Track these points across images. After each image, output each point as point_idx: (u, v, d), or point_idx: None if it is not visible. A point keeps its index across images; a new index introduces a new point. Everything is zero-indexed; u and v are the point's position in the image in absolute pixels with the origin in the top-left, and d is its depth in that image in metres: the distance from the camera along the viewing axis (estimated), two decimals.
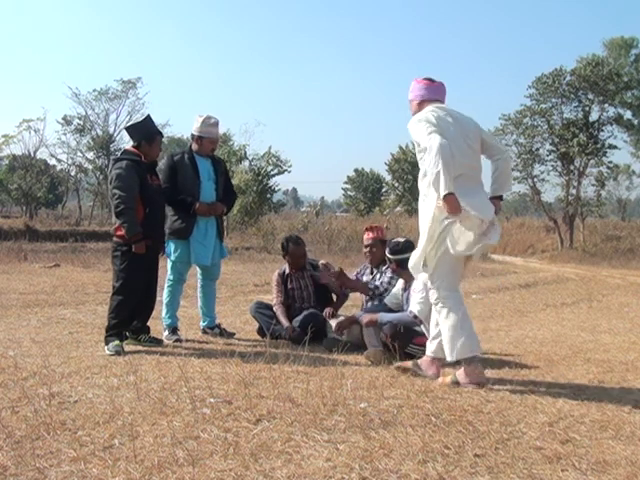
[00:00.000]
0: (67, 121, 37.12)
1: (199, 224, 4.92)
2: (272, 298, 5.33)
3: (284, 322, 5.03)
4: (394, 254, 4.43)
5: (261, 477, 2.13)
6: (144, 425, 2.63)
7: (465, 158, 3.44)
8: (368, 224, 5.26)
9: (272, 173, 28.74)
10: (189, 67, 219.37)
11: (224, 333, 5.15)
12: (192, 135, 5.07)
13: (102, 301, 7.05)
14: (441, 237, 3.42)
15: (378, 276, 4.90)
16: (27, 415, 2.74)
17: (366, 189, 51.33)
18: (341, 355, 4.31)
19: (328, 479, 2.12)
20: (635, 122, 25.87)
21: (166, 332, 4.92)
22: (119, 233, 4.42)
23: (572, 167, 23.51)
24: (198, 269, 5.22)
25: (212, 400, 3.00)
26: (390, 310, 4.47)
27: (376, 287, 4.78)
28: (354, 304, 6.19)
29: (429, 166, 3.29)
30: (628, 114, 25.00)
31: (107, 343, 4.35)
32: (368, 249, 4.95)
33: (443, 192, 3.24)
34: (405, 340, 4.15)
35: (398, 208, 38.42)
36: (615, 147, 23.53)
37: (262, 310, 5.22)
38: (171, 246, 4.92)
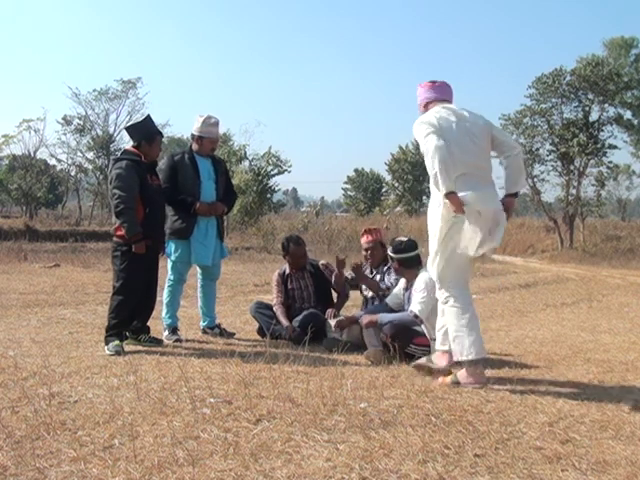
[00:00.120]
0: (67, 121, 37.17)
1: (200, 224, 4.92)
2: (272, 298, 5.33)
3: (284, 322, 5.03)
4: (397, 253, 4.42)
5: (261, 477, 2.13)
6: (144, 425, 2.63)
7: (470, 157, 3.44)
8: (366, 227, 5.24)
9: (272, 173, 28.77)
10: (189, 67, 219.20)
11: (224, 333, 5.16)
12: (192, 135, 5.07)
13: (102, 301, 7.05)
14: (448, 236, 3.43)
15: (378, 277, 4.90)
16: (27, 415, 2.74)
17: (366, 189, 51.33)
18: (341, 355, 4.31)
19: (328, 479, 2.12)
20: (635, 122, 25.87)
21: (166, 332, 4.92)
22: (119, 233, 4.42)
23: (572, 167, 23.50)
24: (198, 269, 5.22)
25: (212, 400, 3.00)
26: (392, 310, 4.46)
27: (387, 288, 4.75)
28: (354, 304, 6.19)
29: (428, 168, 3.35)
30: (628, 114, 25.02)
31: (107, 343, 4.35)
32: (368, 252, 4.94)
33: (443, 191, 3.27)
34: (405, 340, 4.15)
35: (398, 208, 38.42)
36: (615, 147, 23.54)
37: (262, 310, 5.22)
38: (171, 246, 4.92)
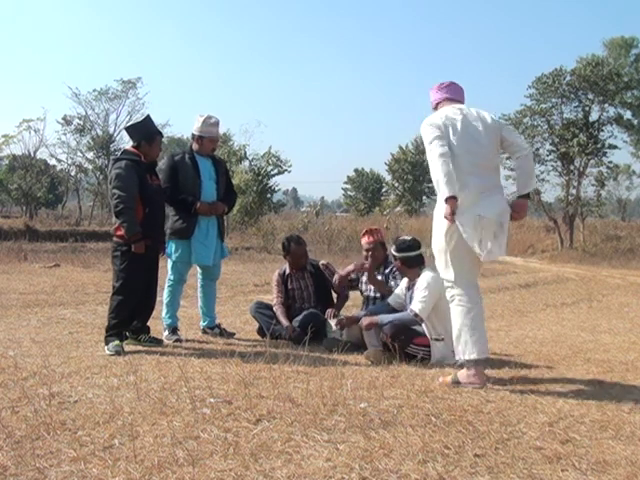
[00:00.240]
0: (67, 121, 37.15)
1: (200, 224, 4.92)
2: (272, 298, 5.33)
3: (284, 322, 5.03)
4: (400, 251, 4.43)
5: (261, 477, 2.13)
6: (144, 425, 2.63)
7: (474, 157, 3.44)
8: (366, 227, 5.23)
9: (272, 173, 28.76)
10: (189, 67, 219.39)
11: (224, 333, 5.16)
12: (193, 135, 5.08)
13: (102, 301, 7.05)
14: (448, 235, 3.44)
15: (380, 277, 4.90)
16: (27, 415, 2.74)
17: (366, 189, 51.33)
18: (341, 355, 4.31)
19: (328, 479, 2.12)
20: (635, 122, 25.86)
21: (166, 332, 4.92)
22: (119, 233, 4.42)
23: (572, 167, 23.48)
24: (198, 269, 5.22)
25: (212, 400, 3.00)
26: (393, 309, 4.46)
27: (391, 290, 4.73)
28: (354, 304, 6.19)
29: (431, 174, 3.39)
30: (628, 114, 24.98)
31: (107, 343, 4.35)
32: (369, 253, 4.93)
33: (445, 194, 3.29)
34: (405, 340, 4.15)
35: (398, 208, 38.39)
36: (615, 147, 23.52)
37: (262, 310, 5.22)
38: (172, 246, 4.92)
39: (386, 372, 3.76)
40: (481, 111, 3.58)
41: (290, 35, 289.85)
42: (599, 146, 22.77)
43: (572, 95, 22.93)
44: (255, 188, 27.37)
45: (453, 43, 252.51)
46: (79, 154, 38.40)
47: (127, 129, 4.72)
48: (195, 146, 5.04)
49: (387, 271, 4.89)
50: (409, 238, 4.55)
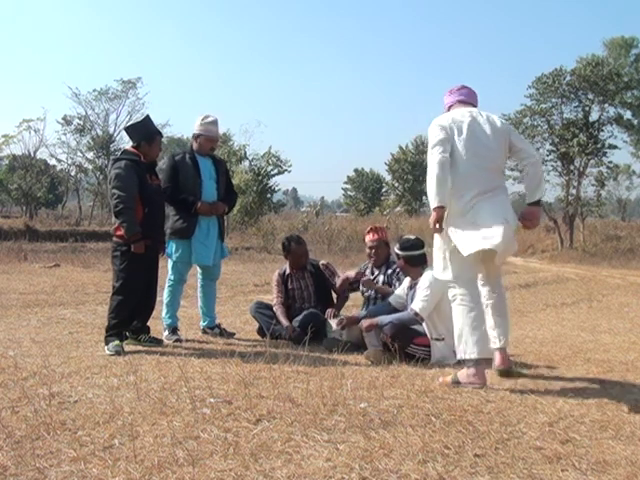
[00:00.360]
0: (67, 121, 37.14)
1: (201, 224, 4.92)
2: (272, 298, 5.33)
3: (284, 322, 5.03)
4: (404, 250, 4.43)
5: (261, 477, 2.13)
6: (144, 425, 2.63)
7: (481, 160, 3.46)
8: (370, 225, 5.25)
9: (272, 173, 28.78)
10: (189, 67, 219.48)
11: (224, 333, 5.16)
12: (193, 134, 5.11)
13: (102, 301, 7.05)
14: (447, 234, 3.47)
15: (381, 277, 4.91)
16: (27, 415, 2.74)
17: (366, 189, 51.34)
18: (341, 355, 4.31)
19: (328, 479, 2.12)
20: (635, 122, 25.85)
21: (166, 332, 4.92)
22: (119, 233, 4.42)
23: (572, 167, 23.48)
24: (198, 269, 5.22)
25: (212, 400, 3.00)
26: (394, 309, 4.47)
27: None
28: (354, 304, 6.19)
29: (427, 177, 3.44)
30: (628, 114, 24.98)
31: (107, 343, 4.35)
32: (373, 250, 4.94)
33: (434, 204, 3.35)
34: (405, 340, 4.15)
35: (398, 208, 38.44)
36: (615, 147, 23.51)
37: (262, 310, 5.22)
38: (172, 246, 4.92)
39: (386, 372, 3.76)
40: (491, 115, 3.61)
41: (290, 35, 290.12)
42: (599, 146, 22.77)
43: (572, 95, 22.92)
44: (255, 188, 27.38)
45: (453, 43, 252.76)
46: (79, 154, 38.46)
47: (126, 129, 4.72)
48: (195, 145, 5.06)
49: (390, 271, 4.89)
50: (413, 237, 4.57)
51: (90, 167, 38.80)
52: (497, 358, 3.48)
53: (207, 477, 2.12)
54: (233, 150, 28.04)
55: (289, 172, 29.18)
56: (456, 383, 3.43)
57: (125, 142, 31.01)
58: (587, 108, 23.21)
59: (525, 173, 3.61)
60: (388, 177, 48.20)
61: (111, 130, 37.98)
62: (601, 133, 23.14)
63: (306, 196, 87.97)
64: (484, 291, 3.62)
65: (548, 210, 25.17)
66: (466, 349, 3.40)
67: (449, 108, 3.73)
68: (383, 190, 50.75)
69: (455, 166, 3.44)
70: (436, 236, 3.54)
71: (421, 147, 44.44)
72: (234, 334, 5.23)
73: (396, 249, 4.53)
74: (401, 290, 4.54)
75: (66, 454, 2.29)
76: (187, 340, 4.89)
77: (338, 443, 2.43)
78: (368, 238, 4.99)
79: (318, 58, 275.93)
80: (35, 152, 37.41)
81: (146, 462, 2.22)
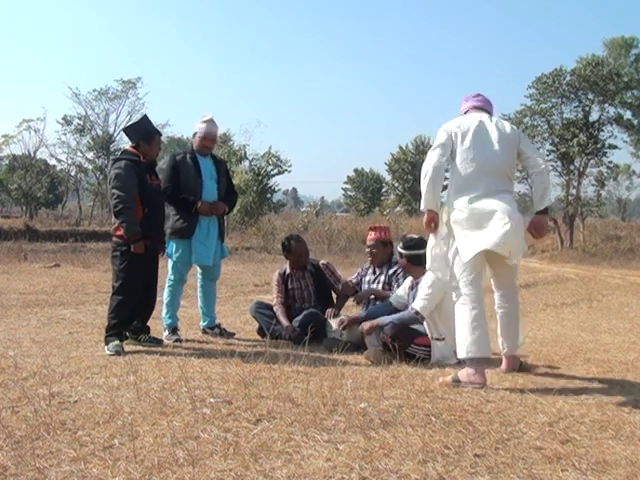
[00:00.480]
0: (67, 121, 37.16)
1: (201, 224, 4.92)
2: (272, 298, 5.33)
3: (284, 322, 5.03)
4: (407, 249, 4.44)
5: (261, 477, 2.13)
6: (144, 425, 2.63)
7: (486, 164, 3.49)
8: (373, 223, 5.28)
9: (272, 173, 28.79)
10: (189, 67, 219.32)
11: (224, 333, 5.16)
12: (193, 133, 5.14)
13: (102, 301, 7.05)
14: (448, 236, 3.53)
15: (382, 277, 4.91)
16: (27, 415, 2.74)
17: (366, 189, 51.35)
18: (341, 355, 4.31)
19: (328, 479, 2.12)
20: (635, 122, 25.84)
21: (166, 332, 4.92)
22: (118, 233, 4.42)
23: (572, 167, 23.48)
24: (198, 269, 5.22)
25: (212, 400, 3.00)
26: (395, 309, 4.47)
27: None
28: (355, 304, 6.18)
29: (421, 178, 3.55)
30: (628, 114, 24.97)
31: (107, 343, 4.35)
32: (369, 250, 4.97)
33: (424, 206, 3.49)
34: (406, 340, 4.15)
35: (398, 208, 38.45)
36: (615, 147, 23.51)
37: (262, 310, 5.22)
38: (172, 246, 4.92)
39: (386, 372, 3.76)
40: (502, 121, 3.68)
41: (290, 35, 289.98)
42: (599, 146, 22.76)
43: (572, 95, 22.92)
44: (255, 188, 27.39)
45: (453, 43, 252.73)
46: (79, 154, 38.48)
47: (125, 130, 4.73)
48: (194, 145, 5.08)
49: (391, 271, 4.89)
50: (416, 236, 4.58)
51: (90, 167, 38.83)
52: (503, 362, 3.79)
53: (207, 477, 2.12)
54: (233, 150, 28.05)
55: (289, 172, 29.25)
56: (456, 382, 3.43)
57: (125, 142, 30.98)
58: (587, 108, 23.21)
59: (531, 182, 3.68)
60: (388, 177, 48.23)
61: (111, 130, 38.03)
62: (601, 133, 23.14)
63: (306, 196, 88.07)
64: (496, 296, 3.75)
65: (548, 210, 25.16)
66: (465, 348, 3.40)
67: (465, 113, 3.80)
68: (383, 190, 50.75)
69: (457, 169, 3.51)
70: (431, 236, 3.61)
71: (421, 147, 44.41)
72: (234, 334, 5.23)
73: (399, 248, 4.53)
74: (402, 290, 4.54)
75: (66, 454, 2.29)
76: (187, 340, 4.89)
77: (338, 443, 2.43)
78: (368, 237, 5.03)
79: (318, 58, 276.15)
80: (35, 152, 37.48)
81: (146, 462, 2.22)
